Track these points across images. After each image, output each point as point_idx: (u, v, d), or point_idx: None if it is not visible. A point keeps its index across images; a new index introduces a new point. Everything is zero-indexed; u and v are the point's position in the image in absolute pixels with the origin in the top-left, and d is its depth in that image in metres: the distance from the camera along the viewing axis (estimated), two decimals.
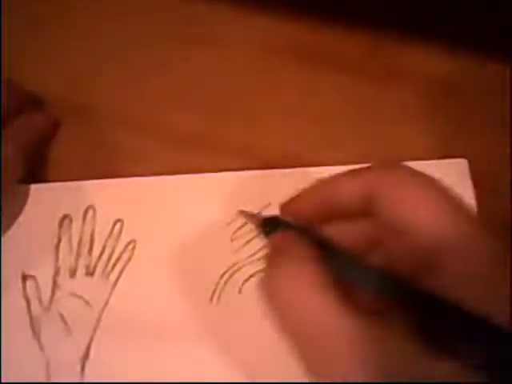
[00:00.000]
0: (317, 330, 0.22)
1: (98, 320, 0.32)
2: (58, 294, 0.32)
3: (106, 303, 0.32)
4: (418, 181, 0.23)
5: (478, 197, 0.33)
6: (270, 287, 0.24)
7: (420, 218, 0.22)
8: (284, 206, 0.27)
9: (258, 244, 0.33)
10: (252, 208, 0.33)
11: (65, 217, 0.34)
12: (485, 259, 0.21)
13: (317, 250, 0.24)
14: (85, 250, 0.33)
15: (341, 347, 0.21)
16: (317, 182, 0.26)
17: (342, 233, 0.26)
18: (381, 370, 0.20)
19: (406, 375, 0.20)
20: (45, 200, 0.34)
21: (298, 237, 0.25)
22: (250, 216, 0.29)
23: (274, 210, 0.30)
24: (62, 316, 0.32)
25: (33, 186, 0.34)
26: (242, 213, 0.30)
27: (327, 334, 0.22)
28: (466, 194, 0.33)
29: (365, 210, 0.24)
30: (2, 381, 0.31)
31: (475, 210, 0.32)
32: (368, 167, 0.25)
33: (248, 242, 0.33)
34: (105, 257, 0.33)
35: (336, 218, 0.26)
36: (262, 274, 0.24)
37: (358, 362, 0.21)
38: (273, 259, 0.25)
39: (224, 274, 0.32)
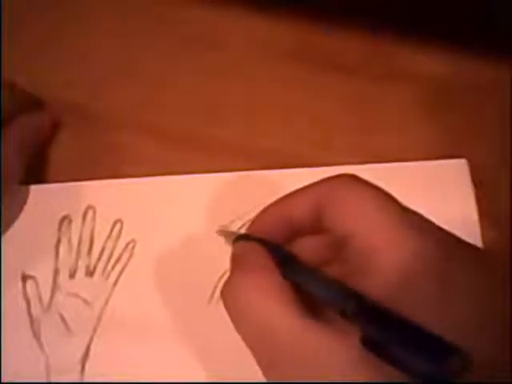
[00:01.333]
0: (268, 340, 0.22)
1: (98, 320, 0.32)
2: (57, 294, 0.33)
3: (106, 303, 0.32)
4: (359, 190, 0.24)
5: (478, 197, 0.33)
6: (226, 295, 0.24)
7: (360, 227, 0.23)
8: (250, 225, 0.28)
9: None
10: (252, 208, 0.33)
11: (64, 217, 0.34)
12: (411, 258, 0.22)
13: (276, 262, 0.25)
14: (84, 250, 0.33)
15: (291, 356, 0.22)
16: (276, 199, 0.27)
17: (303, 248, 0.26)
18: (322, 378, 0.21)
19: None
20: (44, 200, 0.34)
21: (258, 248, 0.26)
22: (228, 234, 0.30)
23: None
24: (61, 316, 0.32)
25: (33, 187, 0.34)
26: (221, 232, 0.31)
27: (278, 344, 0.22)
28: (466, 194, 0.33)
29: (319, 224, 0.25)
30: (2, 381, 0.31)
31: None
32: (315, 182, 0.26)
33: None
34: (104, 257, 0.33)
35: (299, 234, 0.26)
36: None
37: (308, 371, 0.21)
38: (231, 269, 0.26)
39: (223, 275, 0.32)
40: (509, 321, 0.21)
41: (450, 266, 0.22)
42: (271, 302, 0.23)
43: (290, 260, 0.25)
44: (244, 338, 0.24)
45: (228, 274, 0.25)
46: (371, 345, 0.21)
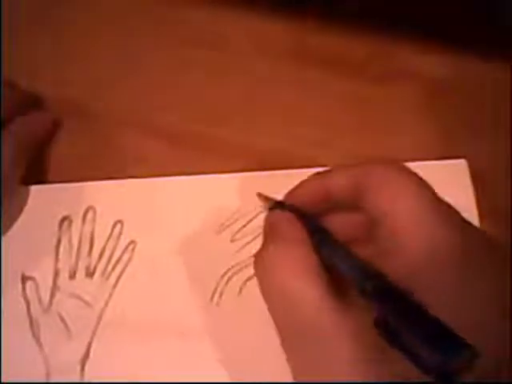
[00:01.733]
0: (291, 312, 0.23)
1: (98, 321, 0.32)
2: (57, 294, 0.33)
3: (106, 304, 0.32)
4: (399, 175, 0.25)
5: (478, 197, 0.33)
6: (257, 267, 0.25)
7: (394, 209, 0.24)
8: (287, 194, 0.28)
9: (259, 245, 0.33)
10: (252, 209, 0.33)
11: (65, 218, 0.34)
12: (437, 245, 0.23)
13: (309, 235, 0.25)
14: (85, 251, 0.33)
15: (309, 330, 0.22)
16: (314, 173, 0.27)
17: (336, 224, 0.27)
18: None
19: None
20: (45, 201, 0.34)
21: (293, 219, 0.26)
22: (265, 198, 0.30)
23: None
24: (61, 317, 0.32)
25: (33, 187, 0.34)
26: (259, 195, 0.31)
27: (302, 321, 0.23)
28: (466, 194, 0.33)
29: (356, 203, 0.26)
30: (2, 381, 0.31)
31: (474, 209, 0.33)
32: (358, 163, 0.26)
33: (248, 243, 0.33)
34: (105, 258, 0.33)
35: (333, 209, 0.27)
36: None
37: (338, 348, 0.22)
38: (264, 238, 0.26)
39: (224, 274, 0.33)
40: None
41: (472, 258, 0.23)
42: (299, 276, 0.23)
43: (321, 233, 0.26)
44: (269, 308, 0.24)
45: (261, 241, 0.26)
46: (384, 328, 0.21)
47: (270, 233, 0.26)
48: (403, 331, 0.20)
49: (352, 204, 0.26)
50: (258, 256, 0.25)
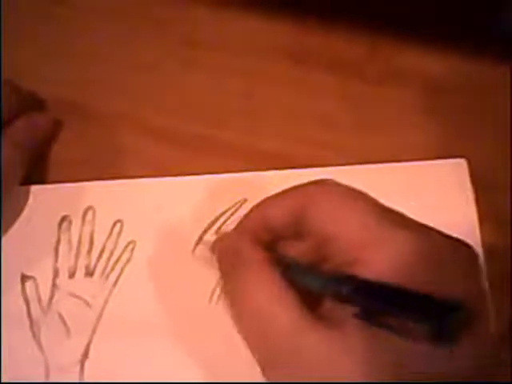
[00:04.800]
0: (268, 338, 0.23)
1: (98, 320, 0.32)
2: (57, 294, 0.33)
3: (106, 304, 0.32)
4: (336, 194, 0.25)
5: (477, 197, 0.33)
6: (227, 293, 0.24)
7: (342, 229, 0.24)
8: (234, 228, 0.28)
9: None
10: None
11: (64, 218, 0.34)
12: (400, 249, 0.22)
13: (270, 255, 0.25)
14: (84, 250, 0.33)
15: (289, 355, 0.22)
16: (255, 204, 0.27)
17: (287, 251, 0.26)
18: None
19: None
20: (44, 201, 0.34)
21: (253, 243, 0.26)
22: (207, 242, 0.30)
23: None
24: (61, 317, 0.32)
25: (33, 187, 0.34)
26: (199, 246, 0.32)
27: (277, 343, 0.23)
28: (465, 193, 0.33)
29: (297, 229, 0.25)
30: (2, 381, 0.31)
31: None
32: (293, 188, 0.26)
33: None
34: (104, 257, 0.33)
35: (280, 238, 0.27)
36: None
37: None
38: (225, 263, 0.26)
39: None
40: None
41: (437, 258, 0.23)
42: (273, 300, 0.23)
43: (279, 254, 0.26)
44: (244, 336, 0.24)
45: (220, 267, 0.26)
46: (367, 317, 0.21)
47: (233, 257, 0.26)
48: (389, 315, 0.21)
49: (295, 230, 0.26)
50: (227, 282, 0.25)
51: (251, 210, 0.27)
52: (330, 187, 0.25)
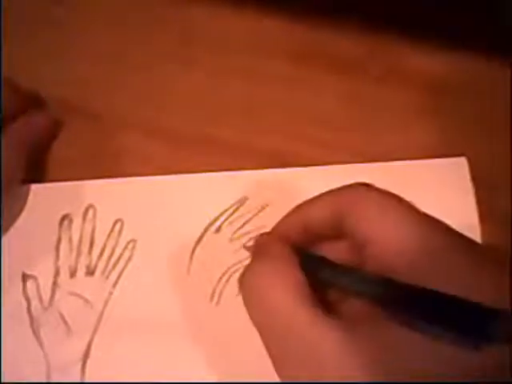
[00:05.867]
0: (280, 329, 0.23)
1: (99, 319, 0.32)
2: (58, 293, 0.32)
3: (107, 303, 0.32)
4: (377, 198, 0.25)
5: (477, 196, 0.33)
6: (244, 282, 0.25)
7: (375, 234, 0.24)
8: (271, 231, 0.28)
9: None
10: (251, 208, 0.33)
11: (65, 216, 0.34)
12: (437, 252, 0.23)
13: (301, 258, 0.25)
14: (85, 249, 0.33)
15: (298, 347, 0.22)
16: (294, 207, 0.27)
17: (323, 252, 0.27)
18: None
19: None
20: (45, 200, 0.34)
21: (282, 240, 0.26)
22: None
23: (272, 211, 0.32)
24: (62, 316, 0.32)
25: (33, 186, 0.34)
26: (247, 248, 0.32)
27: (288, 335, 0.23)
28: (466, 192, 0.33)
29: (337, 231, 0.26)
30: (2, 381, 0.31)
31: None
32: (332, 191, 0.26)
33: (248, 242, 0.33)
34: (105, 256, 0.33)
35: (318, 240, 0.27)
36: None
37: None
38: (252, 256, 0.27)
39: (224, 273, 0.33)
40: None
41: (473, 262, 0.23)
42: (287, 292, 0.23)
43: (312, 257, 0.26)
44: (257, 326, 0.24)
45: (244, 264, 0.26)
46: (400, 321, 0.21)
47: (257, 252, 0.27)
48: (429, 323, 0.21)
49: (334, 232, 0.26)
50: (244, 272, 0.25)
51: (291, 212, 0.28)
52: (369, 191, 0.26)
